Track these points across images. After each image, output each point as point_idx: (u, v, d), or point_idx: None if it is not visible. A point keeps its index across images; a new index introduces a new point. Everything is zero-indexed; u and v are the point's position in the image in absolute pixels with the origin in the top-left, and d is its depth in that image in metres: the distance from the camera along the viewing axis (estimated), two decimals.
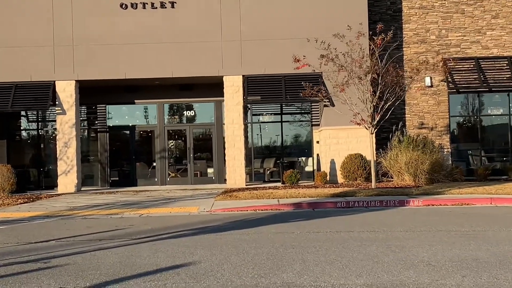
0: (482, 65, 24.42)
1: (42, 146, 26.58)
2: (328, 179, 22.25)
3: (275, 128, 26.71)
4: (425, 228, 11.56)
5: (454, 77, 24.35)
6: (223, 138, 25.23)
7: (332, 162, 22.98)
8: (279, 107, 26.33)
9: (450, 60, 23.86)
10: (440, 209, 15.06)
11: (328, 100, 22.53)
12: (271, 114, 26.66)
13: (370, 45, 19.18)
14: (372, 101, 18.73)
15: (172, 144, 26.85)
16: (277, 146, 26.74)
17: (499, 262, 8.15)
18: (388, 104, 19.43)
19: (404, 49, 24.53)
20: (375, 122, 19.04)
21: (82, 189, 23.82)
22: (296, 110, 26.48)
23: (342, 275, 7.55)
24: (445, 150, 24.15)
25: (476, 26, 24.70)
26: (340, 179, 22.62)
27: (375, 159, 19.74)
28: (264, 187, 21.72)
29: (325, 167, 23.04)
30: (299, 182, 22.28)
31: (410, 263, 8.22)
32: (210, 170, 26.20)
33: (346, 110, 20.41)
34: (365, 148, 22.63)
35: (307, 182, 23.48)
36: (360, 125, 19.21)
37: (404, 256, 8.68)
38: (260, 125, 26.51)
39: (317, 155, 22.97)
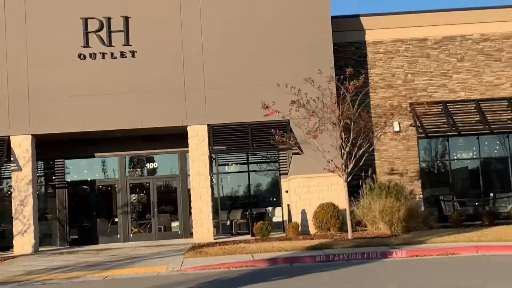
0: (450, 109, 24.15)
1: None
2: (300, 230, 21.35)
3: (241, 178, 25.84)
4: (423, 283, 10.70)
5: (423, 122, 23.99)
6: (188, 190, 24.25)
7: (303, 212, 22.15)
8: (245, 157, 25.55)
9: (418, 105, 23.52)
10: (427, 260, 14.28)
11: (296, 148, 21.87)
12: (237, 163, 25.80)
13: (340, 90, 18.62)
14: (345, 148, 18.06)
15: (134, 198, 25.65)
16: (244, 197, 25.85)
17: None
18: (362, 150, 18.80)
19: (371, 94, 24.08)
20: (349, 169, 18.34)
21: (40, 249, 22.35)
22: (263, 159, 25.69)
23: None
24: (417, 196, 23.58)
25: (442, 69, 24.53)
26: (312, 229, 21.76)
27: (349, 208, 18.93)
28: (234, 241, 20.67)
29: (296, 218, 22.18)
30: (270, 234, 21.31)
31: None
32: (175, 224, 25.04)
33: (316, 158, 19.70)
34: (337, 196, 21.97)
35: (278, 234, 22.54)
36: (333, 172, 18.49)
37: None
38: (225, 175, 25.56)
39: (288, 205, 22.14)
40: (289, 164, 23.52)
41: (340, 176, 18.50)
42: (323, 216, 21.08)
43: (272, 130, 19.41)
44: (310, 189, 22.27)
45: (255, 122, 22.39)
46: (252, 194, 25.55)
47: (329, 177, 21.76)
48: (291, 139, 20.28)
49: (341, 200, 21.91)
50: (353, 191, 22.03)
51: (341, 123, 18.09)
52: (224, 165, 25.44)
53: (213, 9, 22.82)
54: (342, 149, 18.29)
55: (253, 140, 22.33)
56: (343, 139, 18.21)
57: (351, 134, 18.10)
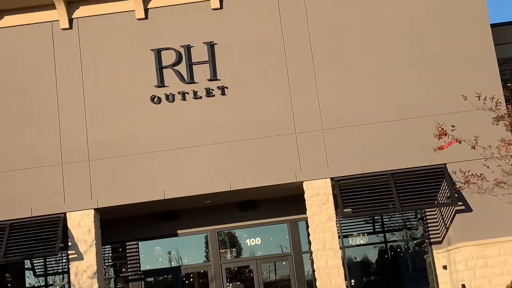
0: None
1: None
2: None
3: (369, 252, 19.41)
4: None
5: None
6: (304, 272, 18.25)
7: None
8: (371, 223, 19.14)
9: None
10: None
11: (461, 203, 15.41)
12: (363, 233, 19.32)
13: None
14: None
15: (228, 287, 19.29)
16: (374, 277, 19.31)
17: None
18: None
19: None
20: None
21: None
22: (400, 225, 19.22)
23: None
24: None
25: None
26: None
27: None
28: None
29: None
30: None
31: None
32: None
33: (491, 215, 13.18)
34: None
35: None
36: None
37: None
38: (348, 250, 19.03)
39: (463, 286, 15.28)
40: (446, 228, 16.86)
41: None
42: None
43: (451, 169, 12.93)
44: (488, 261, 15.48)
45: (396, 170, 16.18)
46: (386, 273, 18.95)
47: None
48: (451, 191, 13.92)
49: None
50: None
51: None
52: (347, 236, 18.91)
53: (328, 19, 16.99)
54: None
55: (399, 196, 15.82)
56: None
57: None
